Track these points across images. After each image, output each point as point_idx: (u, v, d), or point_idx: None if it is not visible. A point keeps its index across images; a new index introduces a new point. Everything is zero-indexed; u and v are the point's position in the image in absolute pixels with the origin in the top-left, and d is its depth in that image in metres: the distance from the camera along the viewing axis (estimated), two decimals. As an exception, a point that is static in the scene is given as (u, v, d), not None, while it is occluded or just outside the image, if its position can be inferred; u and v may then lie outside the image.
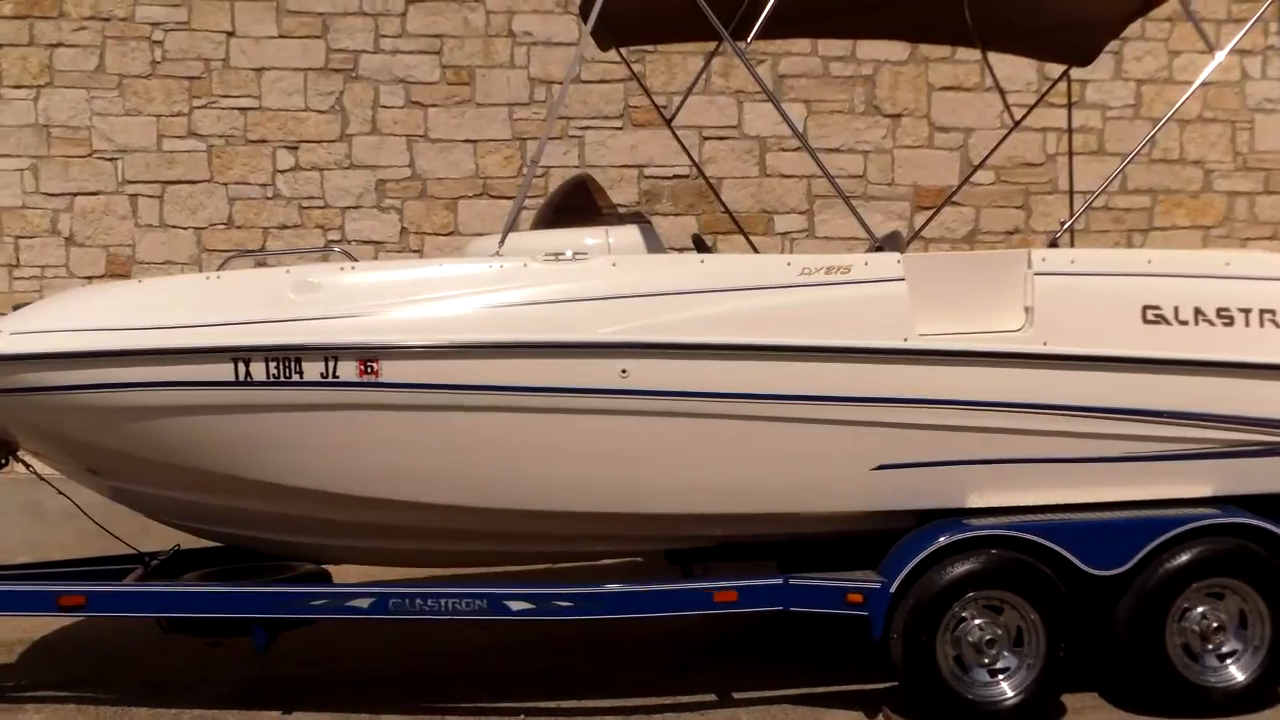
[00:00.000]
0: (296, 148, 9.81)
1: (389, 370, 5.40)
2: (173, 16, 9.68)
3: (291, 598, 5.86)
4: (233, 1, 9.71)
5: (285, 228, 9.80)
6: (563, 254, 5.64)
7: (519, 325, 5.47)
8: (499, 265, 5.59)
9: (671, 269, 5.76)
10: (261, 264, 8.45)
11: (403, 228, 9.84)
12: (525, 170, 6.17)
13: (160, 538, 6.73)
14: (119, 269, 9.67)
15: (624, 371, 5.46)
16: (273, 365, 5.40)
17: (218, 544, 6.58)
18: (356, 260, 5.80)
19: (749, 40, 5.93)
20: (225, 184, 9.78)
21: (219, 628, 6.17)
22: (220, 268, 5.79)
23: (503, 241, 5.71)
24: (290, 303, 5.47)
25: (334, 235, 9.81)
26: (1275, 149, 10.20)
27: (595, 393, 5.46)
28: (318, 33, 9.79)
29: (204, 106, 9.73)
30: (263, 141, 9.79)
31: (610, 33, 7.41)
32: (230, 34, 9.73)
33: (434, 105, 9.85)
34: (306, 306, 5.47)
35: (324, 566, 6.48)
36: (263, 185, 9.79)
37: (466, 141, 9.87)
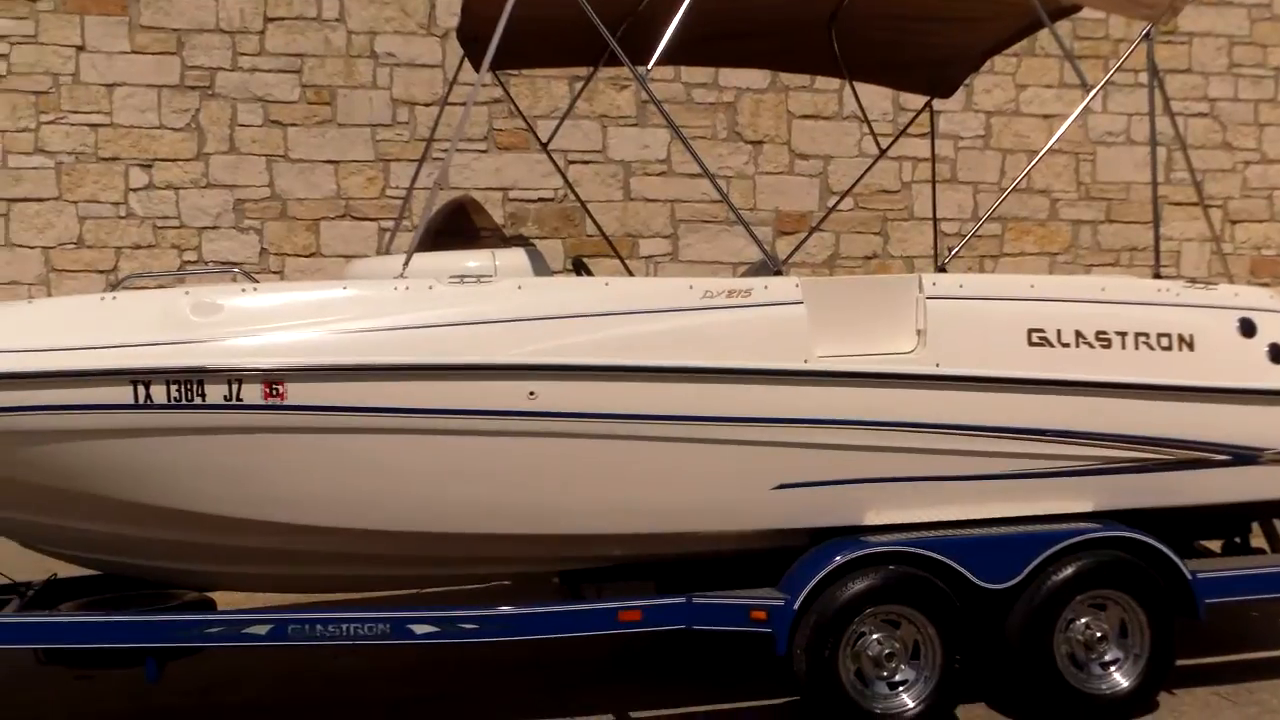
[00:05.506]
0: (150, 166, 9.59)
1: (295, 393, 5.29)
2: (19, 30, 9.42)
3: (187, 626, 5.67)
4: (83, 15, 9.47)
5: (139, 248, 9.56)
6: (468, 276, 5.61)
7: (426, 347, 5.42)
8: (404, 287, 5.53)
9: (577, 292, 5.79)
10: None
11: (263, 248, 9.68)
12: (429, 191, 6.14)
13: (12, 566, 6.46)
14: (-39, 289, 9.34)
15: (532, 393, 5.45)
16: (174, 388, 5.24)
17: (95, 572, 6.37)
18: (257, 281, 5.68)
19: (649, 67, 5.99)
20: (75, 202, 9.52)
21: (103, 658, 5.95)
22: (116, 288, 5.63)
23: (407, 263, 5.66)
24: (191, 324, 5.33)
25: (190, 255, 9.61)
26: (1115, 179, 10.68)
27: (503, 414, 5.44)
28: (172, 49, 9.60)
29: (52, 122, 9.46)
30: (115, 159, 9.55)
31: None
32: (80, 48, 9.48)
33: (294, 125, 9.74)
34: (208, 328, 5.33)
35: (207, 594, 6.32)
36: (115, 204, 9.56)
37: (328, 162, 9.78)
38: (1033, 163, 6.74)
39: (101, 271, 9.38)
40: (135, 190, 9.56)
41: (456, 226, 6.69)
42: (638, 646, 7.01)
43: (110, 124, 9.53)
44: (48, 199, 9.47)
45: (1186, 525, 6.54)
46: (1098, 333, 6.07)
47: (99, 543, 5.79)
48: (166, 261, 9.54)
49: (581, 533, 5.73)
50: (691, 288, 5.76)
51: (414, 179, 8.10)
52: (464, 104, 6.14)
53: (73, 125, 9.49)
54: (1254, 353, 6.33)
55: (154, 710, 6.38)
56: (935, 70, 8.05)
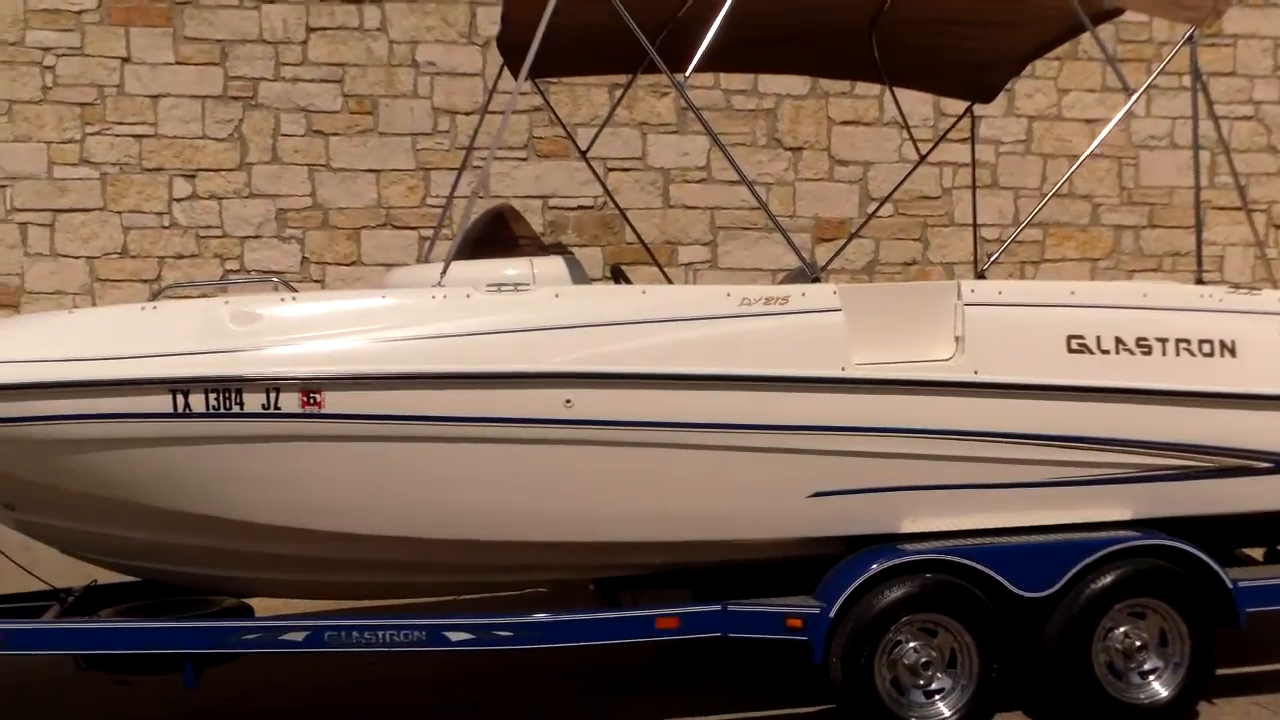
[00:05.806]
0: (194, 176, 9.66)
1: (332, 401, 5.33)
2: (64, 41, 9.50)
3: (225, 632, 5.73)
4: (128, 27, 9.55)
5: (182, 257, 9.63)
6: (505, 285, 5.63)
7: (463, 355, 5.44)
8: (442, 295, 5.56)
9: (614, 300, 5.79)
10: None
11: (304, 257, 9.73)
12: (468, 200, 6.15)
13: (52, 572, 6.53)
14: (6, 299, 9.45)
15: (568, 401, 5.47)
16: (212, 397, 5.29)
17: (134, 579, 6.43)
18: (296, 290, 5.72)
19: (687, 74, 6.00)
20: (119, 212, 9.59)
21: (142, 664, 6.00)
22: (156, 297, 5.66)
23: (444, 272, 5.69)
24: (230, 333, 5.37)
25: (233, 265, 9.68)
26: (1158, 184, 10.59)
27: (540, 423, 5.46)
28: (216, 60, 9.66)
29: (97, 133, 9.55)
30: (159, 169, 9.63)
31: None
32: (125, 60, 9.56)
33: (336, 134, 9.79)
34: (247, 337, 5.37)
35: (245, 600, 6.37)
36: (159, 214, 9.63)
37: (369, 171, 9.82)
38: (1074, 167, 6.70)
39: (145, 281, 9.46)
40: (179, 200, 9.63)
41: (495, 235, 6.71)
42: (673, 654, 7.02)
43: (155, 135, 9.59)
44: (93, 209, 9.55)
45: (1227, 532, 6.47)
46: (1138, 339, 6.03)
47: (138, 549, 5.85)
48: (209, 271, 9.60)
49: (616, 541, 5.74)
50: (729, 295, 5.75)
51: (454, 187, 8.13)
52: (504, 112, 6.16)
53: (117, 136, 9.56)
54: (1298, 359, 6.26)
55: (192, 715, 6.44)
56: (976, 75, 8.02)
